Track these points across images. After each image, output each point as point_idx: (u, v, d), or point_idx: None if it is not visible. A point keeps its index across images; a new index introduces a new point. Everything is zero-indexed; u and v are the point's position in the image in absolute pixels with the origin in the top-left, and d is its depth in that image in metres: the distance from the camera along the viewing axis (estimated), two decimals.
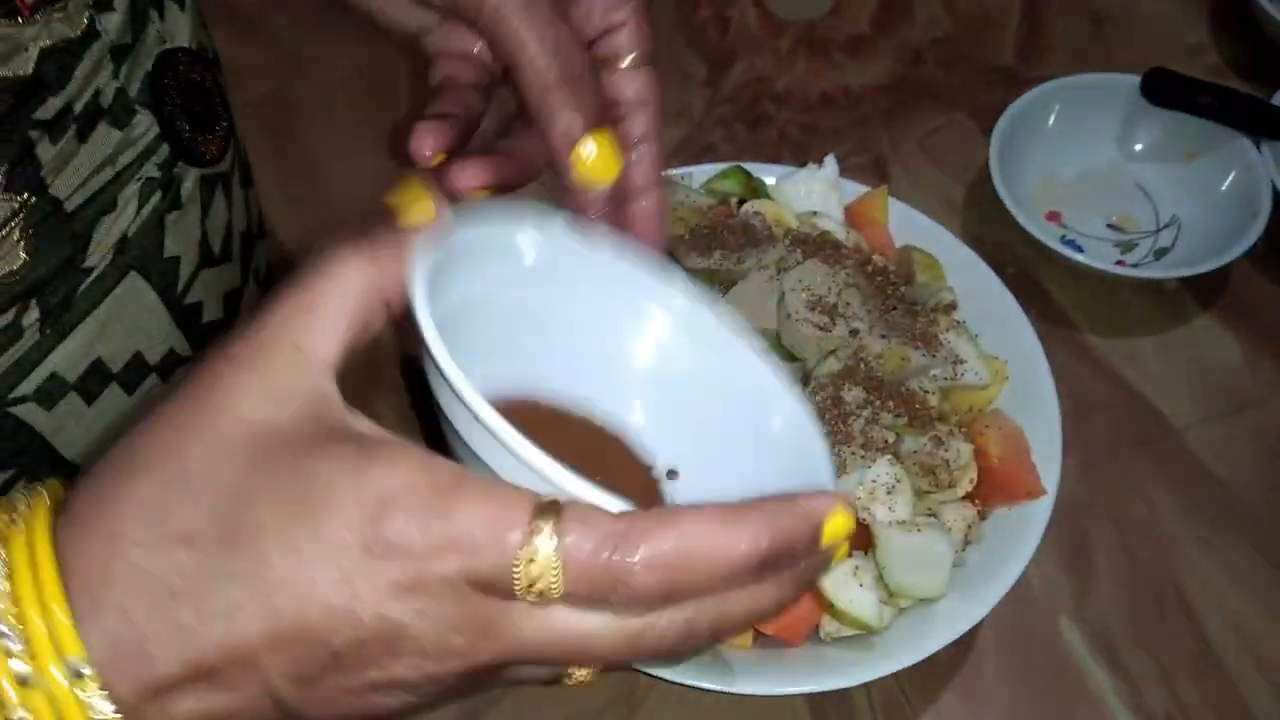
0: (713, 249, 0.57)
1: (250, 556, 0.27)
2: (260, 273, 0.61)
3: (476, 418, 0.29)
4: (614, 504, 0.28)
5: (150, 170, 0.48)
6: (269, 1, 0.91)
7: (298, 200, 0.79)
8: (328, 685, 0.28)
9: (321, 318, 0.30)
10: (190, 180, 0.52)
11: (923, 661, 0.60)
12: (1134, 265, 0.75)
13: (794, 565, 0.30)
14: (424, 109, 0.43)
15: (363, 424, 0.30)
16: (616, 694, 0.60)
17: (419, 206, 0.33)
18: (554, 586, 0.27)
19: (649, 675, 0.53)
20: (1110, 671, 0.61)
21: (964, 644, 0.61)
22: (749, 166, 0.67)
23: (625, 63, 0.43)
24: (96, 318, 0.46)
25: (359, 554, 0.27)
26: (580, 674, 0.31)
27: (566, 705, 0.60)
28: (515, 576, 0.27)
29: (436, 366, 0.29)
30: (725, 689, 0.52)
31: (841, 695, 0.60)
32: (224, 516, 0.28)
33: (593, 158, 0.38)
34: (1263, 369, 0.72)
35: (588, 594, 0.27)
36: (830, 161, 0.66)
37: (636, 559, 0.27)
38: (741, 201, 0.64)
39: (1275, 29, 0.83)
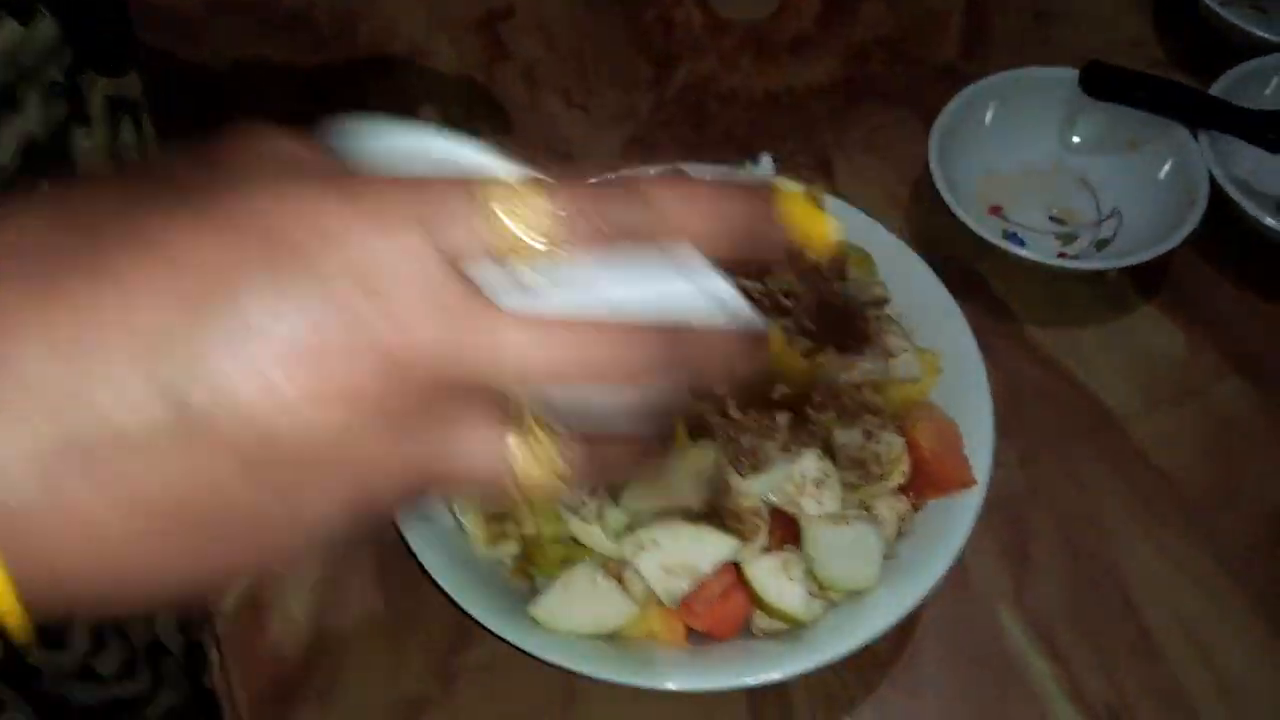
0: None
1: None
2: None
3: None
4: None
5: (54, 74, 0.48)
6: (208, 6, 0.91)
7: None
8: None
9: None
10: (97, 97, 0.51)
11: (861, 654, 0.60)
12: (1075, 257, 0.75)
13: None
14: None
15: None
16: (551, 695, 0.59)
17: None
18: (534, 222, 0.24)
19: (584, 677, 0.53)
20: (1050, 661, 0.61)
21: (902, 636, 0.61)
22: (686, 167, 0.67)
23: None
24: None
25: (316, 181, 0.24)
26: (535, 435, 0.26)
27: (504, 706, 0.60)
28: (483, 216, 0.24)
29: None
30: (656, 685, 0.52)
31: (779, 690, 0.59)
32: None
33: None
34: (1205, 358, 0.72)
35: (576, 223, 0.24)
36: (766, 160, 0.66)
37: (613, 186, 0.25)
38: None
39: (1216, 21, 0.84)
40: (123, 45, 0.53)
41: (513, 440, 0.25)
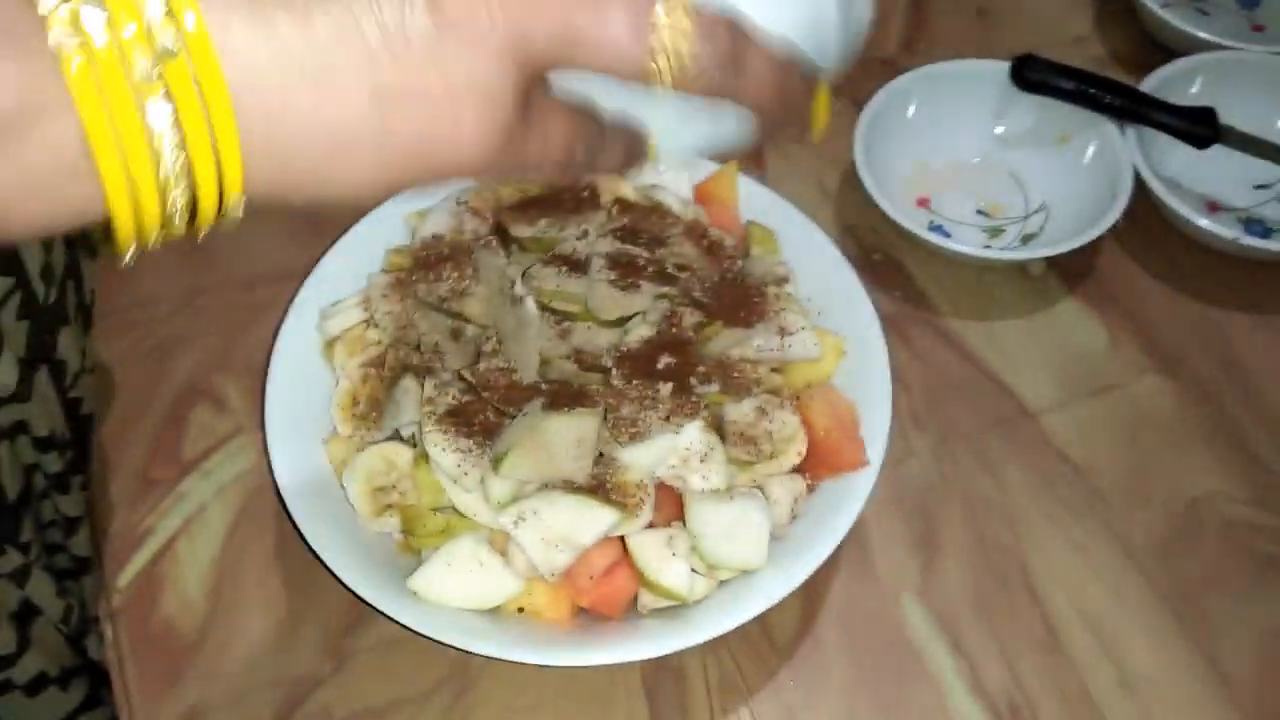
0: (540, 217, 0.57)
1: None
2: None
3: None
4: None
5: None
6: None
7: None
8: None
9: None
10: None
11: (761, 641, 0.60)
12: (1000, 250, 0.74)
13: None
14: None
15: None
16: (447, 674, 0.59)
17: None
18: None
19: (468, 654, 0.52)
20: (951, 651, 0.60)
21: (804, 624, 0.61)
22: None
23: None
24: None
25: None
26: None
27: (397, 686, 0.59)
28: None
29: None
30: (541, 661, 0.51)
31: (677, 676, 0.59)
32: None
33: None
34: (1125, 353, 0.72)
35: None
36: None
37: None
38: None
39: (1154, 21, 0.84)
40: None
41: (657, 13, 0.30)
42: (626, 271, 0.54)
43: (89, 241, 0.62)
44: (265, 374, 0.68)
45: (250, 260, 0.75)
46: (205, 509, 0.64)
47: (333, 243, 0.65)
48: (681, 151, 0.36)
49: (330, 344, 0.60)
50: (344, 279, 0.62)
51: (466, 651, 0.51)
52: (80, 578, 0.66)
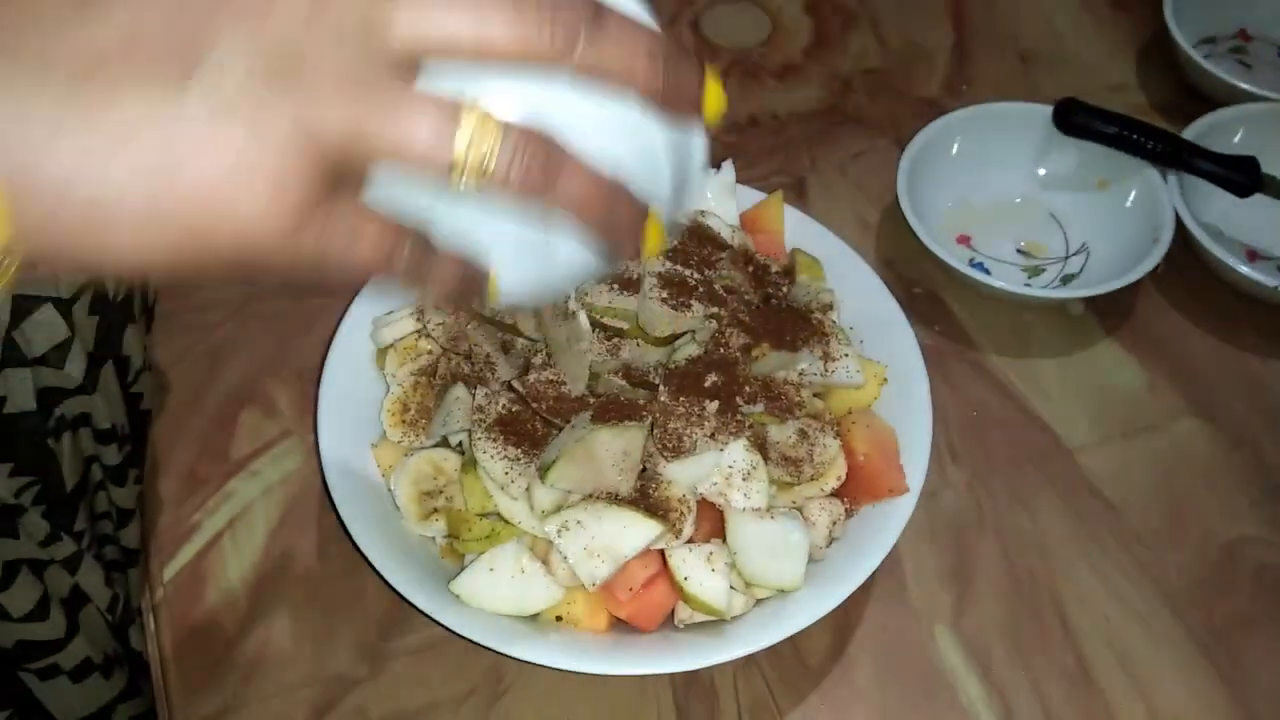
0: None
1: None
2: None
3: None
4: None
5: None
6: None
7: None
8: None
9: None
10: None
11: (795, 663, 0.60)
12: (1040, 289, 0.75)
13: None
14: None
15: None
16: (480, 681, 0.59)
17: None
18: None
19: (516, 663, 0.53)
20: (983, 683, 0.60)
21: (837, 648, 0.61)
22: None
23: None
24: None
25: None
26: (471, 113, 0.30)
27: (431, 690, 0.59)
28: None
29: None
30: (578, 669, 0.52)
31: (709, 692, 0.59)
32: None
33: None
34: (1162, 395, 0.72)
35: None
36: (727, 167, 0.67)
37: None
38: None
39: (1195, 71, 0.85)
40: None
41: (461, 118, 0.29)
42: (678, 291, 0.55)
43: None
44: (316, 380, 0.70)
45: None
46: (251, 508, 0.66)
47: None
48: (522, 283, 0.34)
49: (382, 352, 0.62)
50: (395, 291, 0.64)
51: (506, 656, 0.52)
52: (127, 570, 0.68)
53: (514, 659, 0.53)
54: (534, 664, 0.52)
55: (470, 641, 0.53)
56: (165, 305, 0.71)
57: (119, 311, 0.57)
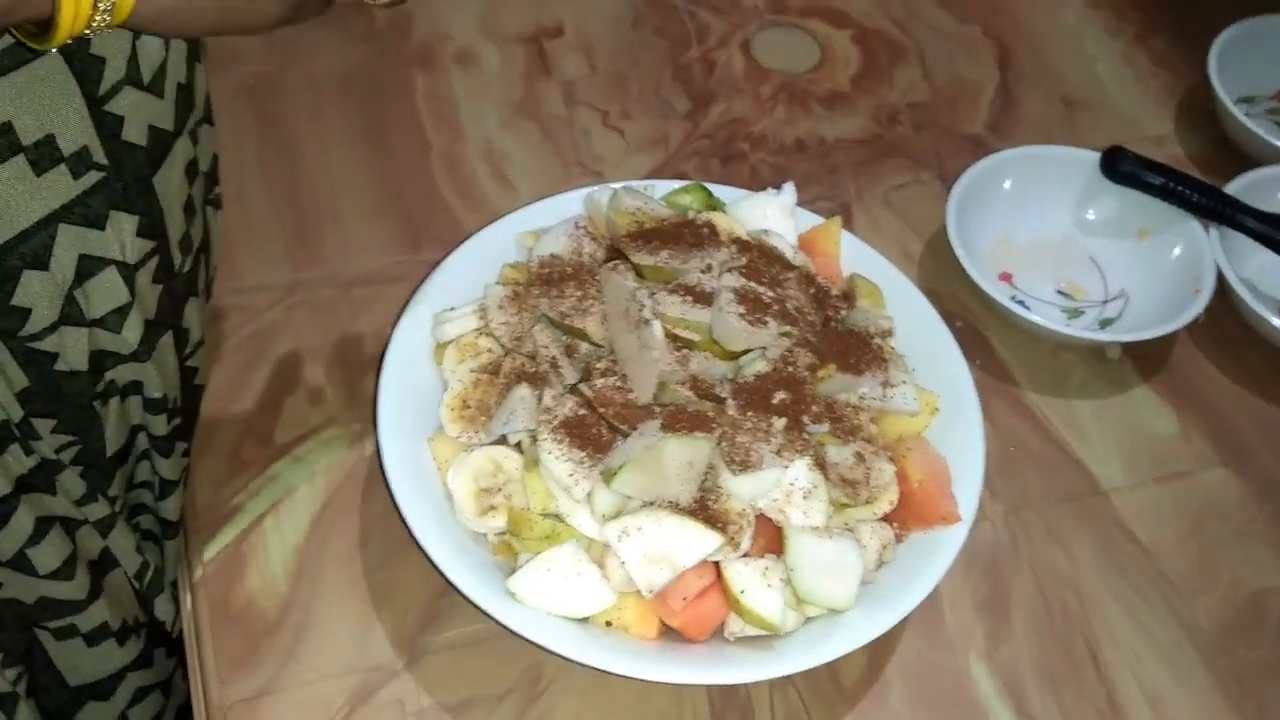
0: (662, 248, 0.59)
1: None
2: (203, 187, 0.61)
3: None
4: None
5: None
6: None
7: (273, 179, 0.81)
8: None
9: None
10: None
11: (829, 683, 0.61)
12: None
13: None
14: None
15: None
16: (518, 680, 0.59)
17: None
18: None
19: (551, 659, 0.53)
20: (1016, 715, 0.61)
21: (872, 672, 0.62)
22: (711, 186, 0.69)
23: None
24: (11, 82, 0.45)
25: None
26: None
27: (470, 686, 0.59)
28: None
29: None
30: (627, 673, 0.52)
31: (744, 707, 0.59)
32: None
33: None
34: (1195, 443, 0.73)
35: None
36: (789, 188, 0.68)
37: None
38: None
39: (1236, 127, 0.86)
40: None
41: None
42: (753, 307, 0.56)
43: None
44: (362, 369, 0.70)
45: (350, 262, 0.77)
46: (294, 493, 0.66)
47: (448, 254, 0.67)
48: None
49: (441, 348, 0.62)
50: (454, 289, 0.64)
51: (559, 655, 0.52)
52: (162, 542, 0.67)
53: (563, 658, 0.53)
54: (586, 666, 0.52)
55: (513, 639, 0.54)
56: (215, 286, 0.71)
57: (183, 283, 0.57)
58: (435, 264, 0.66)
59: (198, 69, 0.58)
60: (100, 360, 0.55)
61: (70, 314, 0.51)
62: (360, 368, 0.71)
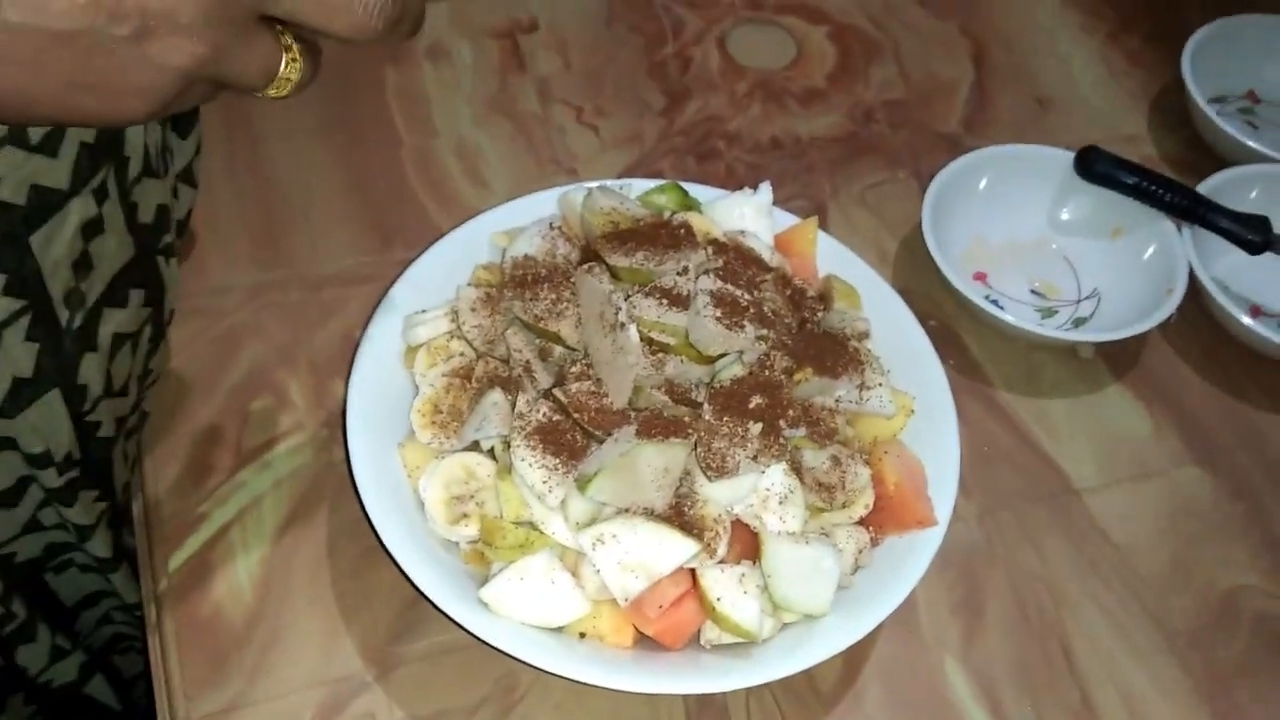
0: (638, 250, 0.58)
1: None
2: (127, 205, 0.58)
3: None
4: None
5: None
6: None
7: (240, 177, 0.79)
8: None
9: None
10: None
11: (805, 688, 0.60)
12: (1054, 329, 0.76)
13: None
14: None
15: None
16: (491, 690, 0.59)
17: None
18: None
19: (525, 669, 0.53)
20: (991, 716, 0.61)
21: (848, 675, 0.61)
22: (686, 185, 0.68)
23: None
24: None
25: None
26: (288, 66, 0.38)
27: (441, 698, 0.59)
28: None
29: None
30: (603, 683, 0.51)
31: (720, 713, 0.59)
32: None
33: None
34: (1167, 442, 0.74)
35: None
36: (765, 188, 0.67)
37: None
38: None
39: (1209, 127, 0.87)
40: None
41: (284, 56, 0.37)
42: (730, 311, 0.55)
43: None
44: (330, 373, 0.69)
45: (318, 263, 0.76)
46: (261, 501, 0.64)
47: (419, 253, 0.66)
48: None
49: (412, 351, 0.61)
50: (426, 290, 0.63)
51: (533, 666, 0.52)
52: (108, 575, 0.66)
53: (537, 669, 0.52)
54: (562, 677, 0.51)
55: (486, 649, 0.53)
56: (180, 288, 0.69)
57: (76, 340, 0.55)
58: (408, 264, 0.65)
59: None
60: None
61: None
62: (329, 371, 0.70)
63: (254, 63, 0.37)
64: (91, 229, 0.52)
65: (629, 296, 0.56)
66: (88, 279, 0.54)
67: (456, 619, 0.52)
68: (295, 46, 0.38)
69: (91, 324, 0.55)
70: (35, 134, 0.48)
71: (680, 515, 0.52)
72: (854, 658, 0.61)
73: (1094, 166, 0.79)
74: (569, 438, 0.53)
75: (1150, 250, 0.78)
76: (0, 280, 0.49)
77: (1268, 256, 0.78)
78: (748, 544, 0.54)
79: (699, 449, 0.53)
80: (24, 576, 0.65)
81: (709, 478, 0.52)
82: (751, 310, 0.55)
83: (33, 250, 0.49)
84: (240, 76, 0.37)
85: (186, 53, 0.34)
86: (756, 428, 0.52)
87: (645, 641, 0.54)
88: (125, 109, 0.35)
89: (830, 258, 0.68)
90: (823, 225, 0.81)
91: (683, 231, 0.60)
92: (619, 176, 0.82)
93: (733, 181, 0.83)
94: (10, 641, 0.66)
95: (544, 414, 0.53)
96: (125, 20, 0.32)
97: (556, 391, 0.54)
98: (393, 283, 0.64)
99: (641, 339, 0.54)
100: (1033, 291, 0.80)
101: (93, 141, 0.50)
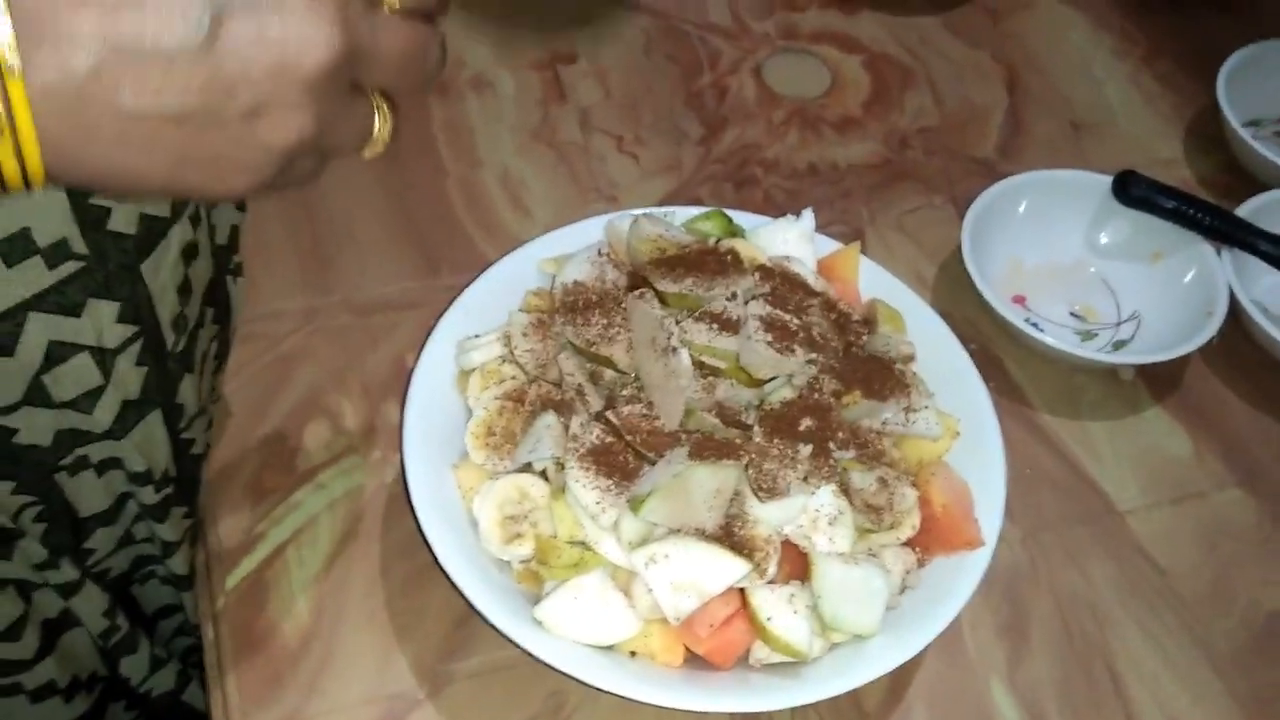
0: (686, 276, 0.60)
1: None
2: (209, 228, 0.60)
3: None
4: None
5: None
6: None
7: (289, 206, 0.81)
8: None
9: None
10: None
11: (852, 708, 0.61)
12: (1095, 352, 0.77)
13: None
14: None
15: None
16: (540, 709, 0.60)
17: None
18: None
19: (576, 687, 0.53)
20: None
21: (893, 697, 0.62)
22: (730, 212, 0.70)
23: None
24: None
25: None
26: (380, 126, 0.39)
27: (492, 715, 0.59)
28: None
29: None
30: (655, 701, 0.52)
31: None
32: None
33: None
34: (1209, 464, 0.74)
35: None
36: (808, 214, 0.69)
37: None
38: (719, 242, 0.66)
39: (1245, 151, 0.87)
40: None
41: (377, 117, 0.39)
42: (780, 335, 0.56)
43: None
44: (383, 396, 0.71)
45: (368, 288, 0.77)
46: (316, 521, 0.66)
47: (467, 280, 0.67)
48: None
49: (465, 375, 0.62)
50: (477, 315, 0.65)
51: (586, 684, 0.52)
52: (180, 592, 0.68)
53: (591, 687, 0.53)
54: (613, 694, 0.52)
55: (535, 666, 0.54)
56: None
57: (176, 361, 0.57)
58: (454, 290, 0.67)
59: None
60: (69, 438, 0.55)
61: (35, 397, 0.51)
62: (380, 394, 0.71)
63: (354, 129, 0.38)
64: (190, 253, 0.54)
65: (680, 321, 0.57)
66: (189, 302, 0.56)
67: (512, 637, 0.53)
68: (384, 106, 0.39)
69: (190, 345, 0.57)
70: None
71: (731, 535, 0.53)
72: (899, 678, 0.62)
73: (1132, 191, 0.79)
74: (621, 459, 0.54)
75: (1190, 274, 0.78)
76: (115, 308, 0.50)
77: None
78: (797, 564, 0.55)
79: (750, 470, 0.54)
80: (119, 590, 0.67)
81: (760, 499, 0.53)
82: (801, 334, 0.56)
83: (144, 277, 0.51)
84: (342, 144, 0.38)
85: (295, 129, 0.34)
86: (806, 449, 0.53)
87: (695, 660, 0.55)
88: (231, 184, 0.35)
89: (872, 282, 0.69)
90: (862, 251, 0.83)
91: (729, 258, 0.61)
92: (659, 204, 0.83)
93: (771, 208, 0.84)
94: (114, 653, 0.68)
95: (597, 436, 0.55)
96: (237, 99, 0.33)
97: (609, 414, 0.55)
98: (446, 308, 0.65)
99: (693, 363, 0.55)
100: (1072, 314, 0.80)
101: None
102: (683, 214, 0.69)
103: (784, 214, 0.70)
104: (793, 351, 0.56)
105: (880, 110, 0.94)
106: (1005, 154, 0.92)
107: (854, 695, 0.61)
